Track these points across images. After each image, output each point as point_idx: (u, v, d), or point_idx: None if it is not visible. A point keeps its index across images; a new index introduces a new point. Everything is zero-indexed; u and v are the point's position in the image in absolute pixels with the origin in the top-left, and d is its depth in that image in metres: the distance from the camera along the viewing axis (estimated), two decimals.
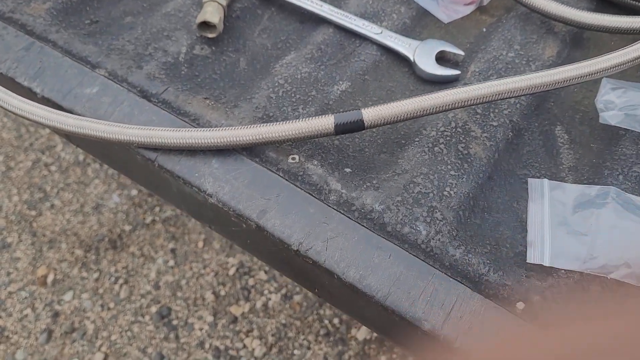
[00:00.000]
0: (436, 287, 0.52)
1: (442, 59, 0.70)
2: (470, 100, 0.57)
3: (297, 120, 0.57)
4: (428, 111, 0.57)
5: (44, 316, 1.44)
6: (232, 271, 1.53)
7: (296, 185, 0.58)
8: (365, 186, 0.58)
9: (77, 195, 1.64)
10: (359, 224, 0.55)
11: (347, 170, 0.59)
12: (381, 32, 0.71)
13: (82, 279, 1.51)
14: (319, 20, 0.74)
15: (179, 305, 1.46)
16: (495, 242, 0.56)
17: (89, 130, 0.60)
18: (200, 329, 1.43)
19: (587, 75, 0.60)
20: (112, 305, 1.47)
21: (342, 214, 0.56)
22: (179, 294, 1.48)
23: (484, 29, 0.75)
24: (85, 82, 0.65)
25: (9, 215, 1.61)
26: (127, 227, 1.60)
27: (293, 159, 0.59)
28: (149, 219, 1.62)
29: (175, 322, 1.44)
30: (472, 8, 0.77)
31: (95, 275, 1.52)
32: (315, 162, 0.59)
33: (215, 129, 0.58)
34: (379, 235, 0.55)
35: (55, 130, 0.62)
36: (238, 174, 0.58)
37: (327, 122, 0.57)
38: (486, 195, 0.59)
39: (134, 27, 0.72)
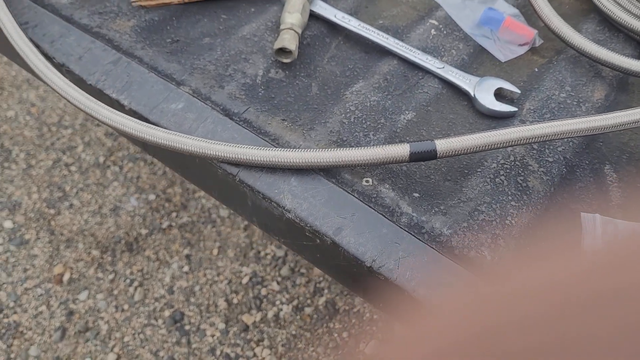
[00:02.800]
0: None
1: (499, 95, 0.75)
2: (534, 137, 0.62)
3: (375, 146, 0.62)
4: (496, 146, 0.62)
5: (59, 314, 1.47)
6: (245, 280, 1.57)
7: (370, 207, 0.62)
8: (433, 211, 0.63)
9: (96, 197, 1.68)
10: (429, 245, 0.60)
11: (416, 195, 0.64)
12: (443, 67, 0.77)
13: (98, 280, 1.54)
14: (383, 52, 0.79)
15: (192, 310, 1.50)
16: None
17: (179, 145, 0.65)
18: (212, 336, 1.46)
19: (637, 122, 0.65)
20: (126, 307, 1.50)
21: (413, 235, 0.61)
22: (192, 299, 1.52)
23: (536, 69, 0.81)
24: (171, 97, 0.70)
25: (28, 212, 1.64)
26: (144, 231, 1.63)
27: (367, 181, 0.64)
28: (165, 224, 1.65)
29: (187, 327, 1.47)
30: (526, 48, 0.82)
31: (111, 276, 1.55)
32: (387, 186, 0.64)
33: (297, 149, 0.63)
34: (447, 258, 0.59)
35: (142, 141, 0.66)
36: (316, 193, 0.63)
37: (402, 150, 0.62)
38: (544, 226, 0.64)
39: (213, 49, 0.77)
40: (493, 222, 0.62)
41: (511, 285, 0.25)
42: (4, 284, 1.50)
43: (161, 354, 1.43)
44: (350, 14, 0.85)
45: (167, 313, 1.49)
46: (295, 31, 0.75)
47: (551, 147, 0.70)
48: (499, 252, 0.60)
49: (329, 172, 0.65)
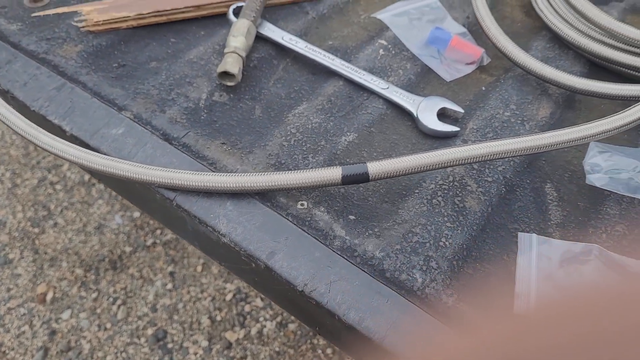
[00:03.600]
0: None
1: (443, 114, 0.76)
2: (468, 159, 0.63)
3: (308, 170, 0.62)
4: (428, 167, 0.62)
5: (41, 334, 1.46)
6: (229, 297, 1.56)
7: (304, 230, 0.62)
8: (367, 234, 0.63)
9: (81, 215, 1.68)
10: (360, 269, 0.60)
11: (352, 217, 0.64)
12: (388, 87, 0.77)
13: (81, 298, 1.53)
14: (330, 73, 0.80)
15: (175, 328, 1.49)
16: (486, 292, 0.61)
17: (115, 170, 0.65)
18: (195, 354, 1.44)
19: (577, 140, 0.65)
20: (109, 325, 1.49)
21: (345, 259, 0.60)
22: (176, 317, 1.50)
23: (483, 88, 0.81)
24: (112, 123, 0.71)
25: (12, 231, 1.64)
26: (128, 249, 1.63)
27: (302, 205, 0.64)
28: (149, 241, 1.65)
29: (170, 346, 1.46)
30: (473, 67, 0.82)
31: (94, 295, 1.54)
32: (322, 209, 0.64)
33: (231, 174, 0.63)
34: (379, 281, 0.59)
35: (83, 168, 0.66)
36: (250, 217, 0.63)
37: (335, 173, 0.62)
38: (479, 247, 0.63)
39: (159, 73, 0.77)
40: (427, 244, 0.62)
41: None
42: None
43: None
44: (300, 35, 0.85)
45: (150, 331, 1.48)
46: (238, 54, 0.76)
47: (491, 167, 0.70)
48: (431, 275, 0.60)
49: (265, 195, 0.65)
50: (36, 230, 1.64)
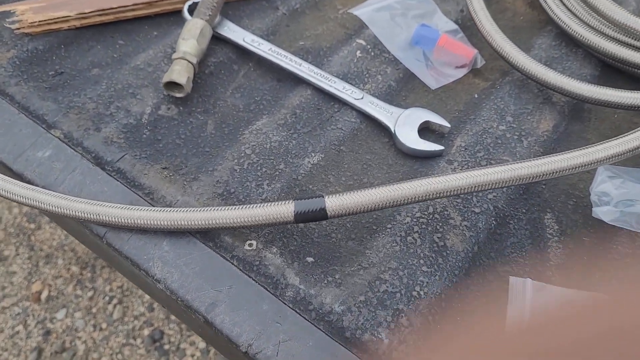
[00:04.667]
0: None
1: (426, 129, 0.65)
2: (446, 192, 0.52)
3: (254, 205, 0.52)
4: (398, 202, 0.51)
5: (36, 334, 1.42)
6: None
7: (250, 277, 0.52)
8: (326, 281, 0.52)
9: None
10: (316, 326, 0.50)
11: (309, 259, 0.54)
12: (362, 98, 0.66)
13: (76, 297, 1.48)
14: (298, 80, 0.69)
15: (172, 329, 1.43)
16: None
17: (35, 202, 0.55)
18: (192, 356, 1.39)
19: (582, 166, 0.54)
20: (104, 325, 1.44)
21: (298, 313, 0.50)
22: (172, 317, 1.44)
23: (476, 95, 0.70)
24: (39, 143, 0.61)
25: (8, 227, 1.59)
26: None
27: (250, 245, 0.54)
28: None
29: (167, 347, 1.40)
30: (464, 71, 0.71)
31: (90, 293, 1.49)
32: (274, 250, 0.54)
33: (165, 210, 0.53)
34: (336, 341, 0.49)
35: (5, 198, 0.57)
36: (189, 260, 0.53)
37: (286, 209, 0.51)
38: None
39: (99, 82, 0.67)
40: (397, 294, 0.52)
41: None
42: None
43: None
44: (268, 35, 0.74)
45: (146, 332, 1.43)
46: (188, 61, 0.65)
47: (480, 195, 0.59)
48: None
49: (207, 234, 0.55)
50: (32, 225, 1.60)
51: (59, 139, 0.61)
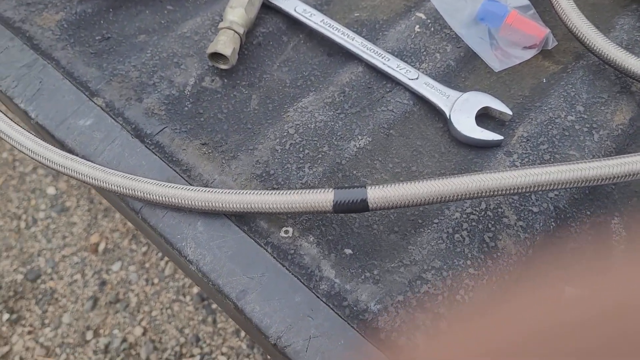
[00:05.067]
0: None
1: (485, 116, 0.60)
2: (502, 190, 0.47)
3: (292, 191, 0.49)
4: (447, 199, 0.47)
5: (92, 283, 1.49)
6: None
7: (284, 266, 0.50)
8: (363, 276, 0.49)
9: None
10: (349, 324, 0.47)
11: (348, 251, 0.51)
12: (417, 78, 0.61)
13: (131, 251, 1.54)
14: (350, 56, 0.65)
15: None
16: None
17: (73, 172, 0.54)
18: None
19: None
20: (156, 280, 1.49)
21: (331, 308, 0.48)
22: None
23: (544, 80, 0.63)
24: (81, 111, 0.60)
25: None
26: None
27: (286, 232, 0.51)
28: None
29: (214, 306, 1.43)
30: (533, 53, 0.65)
31: (144, 249, 1.54)
32: (311, 238, 0.51)
33: (201, 189, 0.51)
34: (370, 342, 0.46)
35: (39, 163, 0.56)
36: (222, 243, 0.51)
37: (325, 198, 0.48)
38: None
39: (144, 49, 0.65)
40: (439, 297, 0.48)
41: None
42: (43, 250, 1.53)
43: (186, 331, 1.41)
44: (322, 4, 0.70)
45: (195, 290, 1.46)
46: (235, 31, 0.62)
47: (539, 193, 0.54)
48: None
49: (242, 217, 0.52)
50: None
51: (100, 107, 0.60)
